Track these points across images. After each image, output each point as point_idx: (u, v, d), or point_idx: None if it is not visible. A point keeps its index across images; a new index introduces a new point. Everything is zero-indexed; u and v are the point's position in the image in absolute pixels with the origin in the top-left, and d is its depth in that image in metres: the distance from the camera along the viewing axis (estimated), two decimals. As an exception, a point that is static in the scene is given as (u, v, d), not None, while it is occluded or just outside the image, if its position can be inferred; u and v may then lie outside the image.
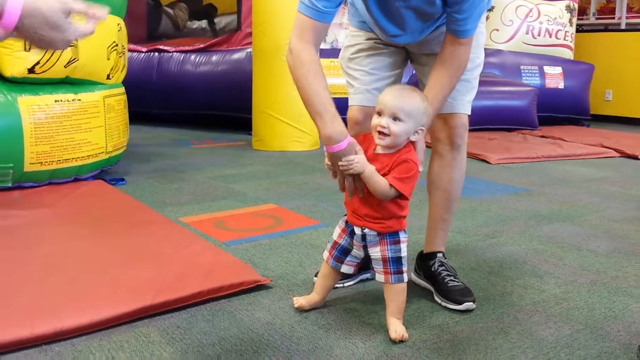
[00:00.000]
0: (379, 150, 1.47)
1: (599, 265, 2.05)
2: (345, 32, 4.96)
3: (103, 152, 3.02)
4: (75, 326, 1.45)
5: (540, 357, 1.40)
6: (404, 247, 1.51)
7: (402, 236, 1.51)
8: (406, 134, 1.44)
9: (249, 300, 1.68)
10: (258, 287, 1.75)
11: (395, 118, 1.42)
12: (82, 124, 2.87)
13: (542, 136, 5.11)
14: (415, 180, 1.46)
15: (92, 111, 2.93)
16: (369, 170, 1.41)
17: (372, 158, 1.46)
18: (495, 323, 1.58)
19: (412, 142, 1.48)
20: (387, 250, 1.49)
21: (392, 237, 1.50)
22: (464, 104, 1.72)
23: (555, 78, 5.97)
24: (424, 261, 1.81)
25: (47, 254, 1.92)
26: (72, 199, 2.68)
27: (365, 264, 1.83)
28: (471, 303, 1.65)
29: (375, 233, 1.49)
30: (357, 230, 1.51)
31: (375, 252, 1.51)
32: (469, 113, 1.74)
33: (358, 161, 1.41)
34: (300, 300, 1.63)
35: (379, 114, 1.44)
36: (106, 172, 3.17)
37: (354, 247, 1.55)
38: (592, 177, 3.60)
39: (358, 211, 1.50)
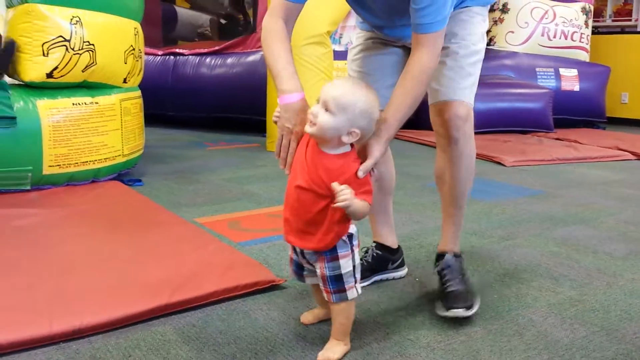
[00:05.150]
0: (326, 149, 1.32)
1: (615, 267, 2.04)
2: (359, 34, 4.94)
3: (120, 155, 3.05)
4: (93, 324, 1.47)
5: (555, 359, 1.40)
6: (344, 262, 1.35)
7: (342, 251, 1.35)
8: (334, 129, 1.27)
9: (263, 300, 1.70)
10: (272, 287, 1.77)
11: (326, 108, 1.27)
12: (99, 126, 2.91)
13: (558, 139, 5.08)
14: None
15: (109, 114, 2.96)
16: (356, 203, 1.28)
17: (316, 154, 1.32)
18: (510, 324, 1.58)
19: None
20: (325, 268, 1.35)
21: (329, 253, 1.35)
22: (456, 91, 1.57)
23: (570, 80, 5.93)
24: (436, 261, 1.81)
25: (64, 253, 1.95)
26: (89, 199, 2.71)
27: (378, 267, 1.84)
28: (460, 310, 1.55)
29: (311, 251, 1.37)
30: (296, 248, 1.40)
31: (318, 268, 1.38)
32: (466, 101, 1.59)
33: (347, 195, 1.26)
34: (307, 316, 1.56)
35: (318, 101, 1.32)
36: (123, 173, 3.20)
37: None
38: (608, 179, 3.57)
39: (291, 226, 1.38)
